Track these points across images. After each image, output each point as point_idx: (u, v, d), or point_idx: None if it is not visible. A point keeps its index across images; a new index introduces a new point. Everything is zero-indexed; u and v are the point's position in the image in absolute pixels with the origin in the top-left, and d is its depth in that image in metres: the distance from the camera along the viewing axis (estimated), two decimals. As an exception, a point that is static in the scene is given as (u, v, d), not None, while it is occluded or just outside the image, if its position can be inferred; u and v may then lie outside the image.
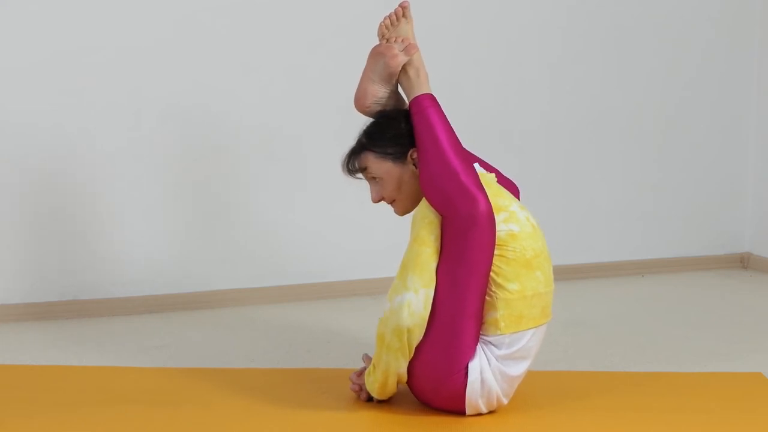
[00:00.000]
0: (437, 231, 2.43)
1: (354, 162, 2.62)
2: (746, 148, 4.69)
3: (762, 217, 4.67)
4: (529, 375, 2.60)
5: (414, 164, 2.55)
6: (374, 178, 2.60)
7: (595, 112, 4.41)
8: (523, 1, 4.22)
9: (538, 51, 4.27)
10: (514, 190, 2.71)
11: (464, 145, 2.54)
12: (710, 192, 4.66)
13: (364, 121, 2.66)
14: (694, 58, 4.56)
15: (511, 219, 2.47)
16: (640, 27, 4.43)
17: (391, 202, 2.62)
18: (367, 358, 2.67)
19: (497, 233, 2.43)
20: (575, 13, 4.32)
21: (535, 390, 2.70)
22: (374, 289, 3.99)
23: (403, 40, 2.59)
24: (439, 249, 2.43)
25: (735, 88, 4.64)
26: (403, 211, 2.62)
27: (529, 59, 4.27)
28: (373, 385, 2.55)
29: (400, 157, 2.56)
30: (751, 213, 4.71)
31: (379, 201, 2.64)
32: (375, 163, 2.58)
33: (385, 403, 2.60)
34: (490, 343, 2.47)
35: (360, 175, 2.64)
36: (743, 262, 4.70)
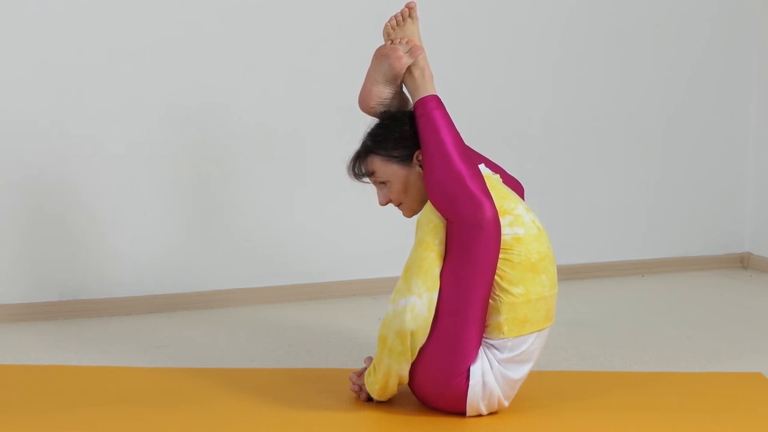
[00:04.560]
0: (442, 235, 2.42)
1: (360, 166, 2.62)
2: (746, 148, 4.69)
3: (762, 217, 4.67)
4: (530, 375, 2.60)
5: (420, 165, 2.54)
6: (381, 182, 2.60)
7: (596, 113, 4.41)
8: (524, 1, 4.22)
9: (538, 51, 4.27)
10: (519, 190, 2.70)
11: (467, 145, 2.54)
12: (710, 192, 4.66)
13: (367, 122, 2.65)
14: (695, 58, 4.56)
15: (517, 222, 2.46)
16: (640, 27, 4.43)
17: (399, 205, 2.62)
18: (369, 360, 2.67)
19: (502, 237, 2.42)
20: (576, 14, 4.32)
21: (536, 390, 2.70)
22: (374, 289, 4.00)
23: (408, 41, 2.58)
24: (444, 253, 2.42)
25: (735, 88, 4.64)
26: (411, 212, 2.61)
27: (530, 60, 4.27)
28: (373, 387, 2.54)
29: (405, 159, 2.55)
30: (751, 213, 4.71)
31: (387, 204, 2.63)
32: (381, 166, 2.57)
33: (385, 403, 2.60)
34: (493, 346, 2.46)
35: (366, 179, 2.63)
36: (743, 262, 4.70)
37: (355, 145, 2.65)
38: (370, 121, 2.65)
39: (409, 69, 2.57)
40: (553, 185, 4.34)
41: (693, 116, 4.59)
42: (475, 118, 4.01)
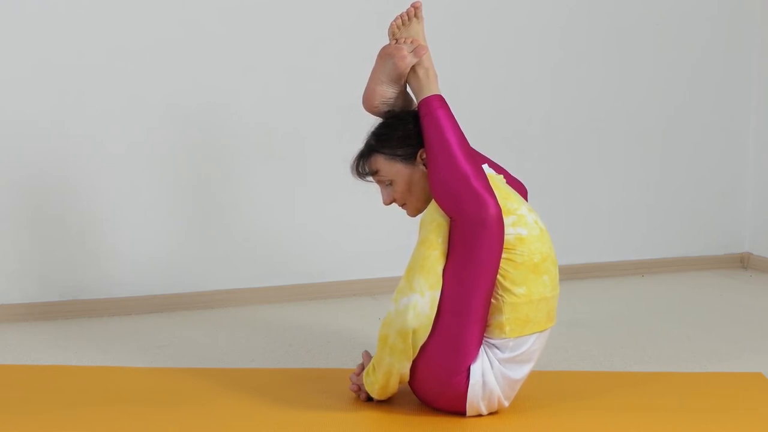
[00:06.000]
0: (445, 233, 2.42)
1: (364, 165, 2.61)
2: (746, 148, 4.69)
3: (762, 217, 4.67)
4: (530, 375, 2.60)
5: (424, 164, 2.54)
6: (385, 182, 2.60)
7: (596, 113, 4.41)
8: (524, 1, 4.22)
9: (538, 51, 4.27)
10: (522, 191, 2.70)
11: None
12: (710, 192, 4.66)
13: (370, 122, 2.65)
14: (695, 58, 4.56)
15: (520, 222, 2.46)
16: (640, 27, 4.43)
17: (403, 205, 2.62)
18: (367, 355, 2.67)
19: (506, 236, 2.42)
20: (576, 14, 4.32)
21: (536, 390, 2.70)
22: (374, 289, 4.00)
23: (412, 41, 2.58)
24: (447, 252, 2.42)
25: (735, 88, 4.64)
26: (415, 212, 2.61)
27: (530, 60, 4.27)
28: (373, 386, 2.54)
29: (409, 158, 2.55)
30: (751, 213, 4.71)
31: (391, 203, 2.63)
32: (385, 165, 2.57)
33: (385, 403, 2.60)
34: (494, 346, 2.46)
35: (370, 178, 2.63)
36: (743, 262, 4.70)
37: (356, 145, 2.65)
38: (373, 121, 2.65)
39: (413, 69, 2.57)
40: (553, 185, 4.34)
41: (693, 116, 4.59)
42: (475, 118, 4.00)
